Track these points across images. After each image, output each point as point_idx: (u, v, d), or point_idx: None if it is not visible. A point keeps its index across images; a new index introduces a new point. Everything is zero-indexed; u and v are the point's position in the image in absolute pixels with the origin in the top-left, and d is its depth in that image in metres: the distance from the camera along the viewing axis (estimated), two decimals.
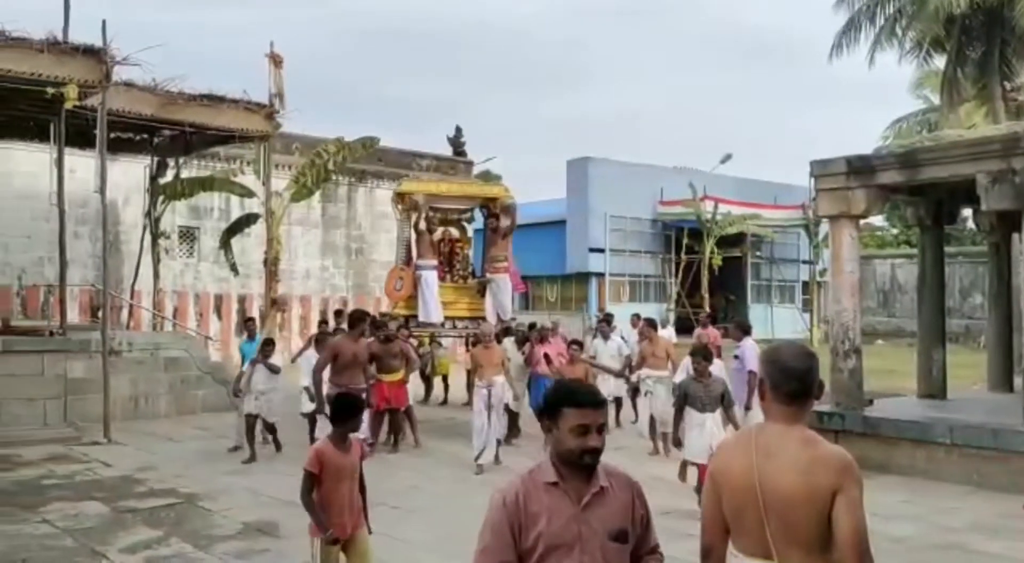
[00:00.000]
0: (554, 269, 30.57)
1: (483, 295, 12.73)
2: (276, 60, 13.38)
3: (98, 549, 6.19)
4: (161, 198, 15.70)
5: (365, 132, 16.69)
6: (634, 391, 11.76)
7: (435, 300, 12.17)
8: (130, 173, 16.99)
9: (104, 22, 10.60)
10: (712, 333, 13.47)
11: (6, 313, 15.45)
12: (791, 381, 2.50)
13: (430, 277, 12.24)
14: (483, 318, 12.26)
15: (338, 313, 14.28)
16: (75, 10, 10.76)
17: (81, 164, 14.87)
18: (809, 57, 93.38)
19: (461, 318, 12.80)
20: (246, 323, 12.62)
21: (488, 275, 12.72)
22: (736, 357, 10.12)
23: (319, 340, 10.54)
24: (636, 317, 14.13)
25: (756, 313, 32.95)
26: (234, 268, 15.92)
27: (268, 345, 10.10)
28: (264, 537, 6.58)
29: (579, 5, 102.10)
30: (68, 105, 10.46)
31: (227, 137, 13.82)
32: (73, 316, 16.28)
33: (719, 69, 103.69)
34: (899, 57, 23.92)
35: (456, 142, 23.89)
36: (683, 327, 30.65)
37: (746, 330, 10.36)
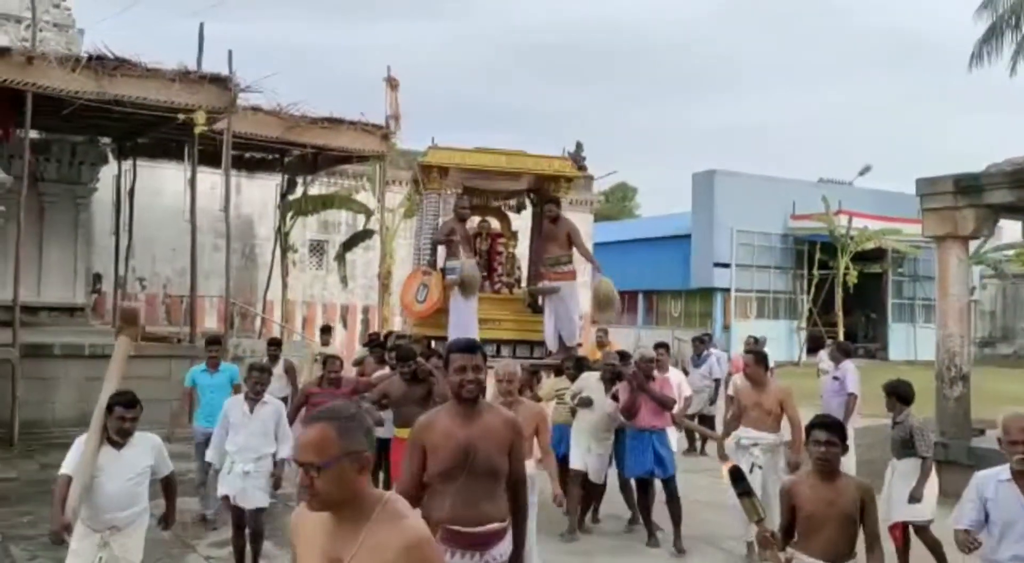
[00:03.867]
0: (678, 284, 30.25)
1: (537, 310, 9.03)
2: (392, 83, 14.02)
3: (190, 543, 6.74)
4: (290, 213, 16.69)
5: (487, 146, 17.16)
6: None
7: (471, 315, 8.55)
8: (265, 190, 18.17)
9: (230, 52, 11.48)
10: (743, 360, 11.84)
11: (153, 320, 16.80)
12: None
13: None
14: (538, 343, 8.87)
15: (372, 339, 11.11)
16: (208, 35, 11.73)
17: (221, 181, 16.02)
18: (953, 63, 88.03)
19: (506, 342, 8.93)
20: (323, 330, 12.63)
21: (546, 282, 8.77)
22: (836, 379, 9.84)
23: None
24: (754, 340, 12.81)
25: (897, 333, 31.47)
26: (344, 280, 16.77)
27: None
28: None
29: (712, 14, 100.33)
30: (198, 130, 11.35)
31: (347, 157, 14.58)
32: (211, 324, 17.51)
33: (859, 78, 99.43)
34: None
35: (576, 157, 24.00)
36: (815, 346, 29.71)
37: (847, 352, 10.03)
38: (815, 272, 29.20)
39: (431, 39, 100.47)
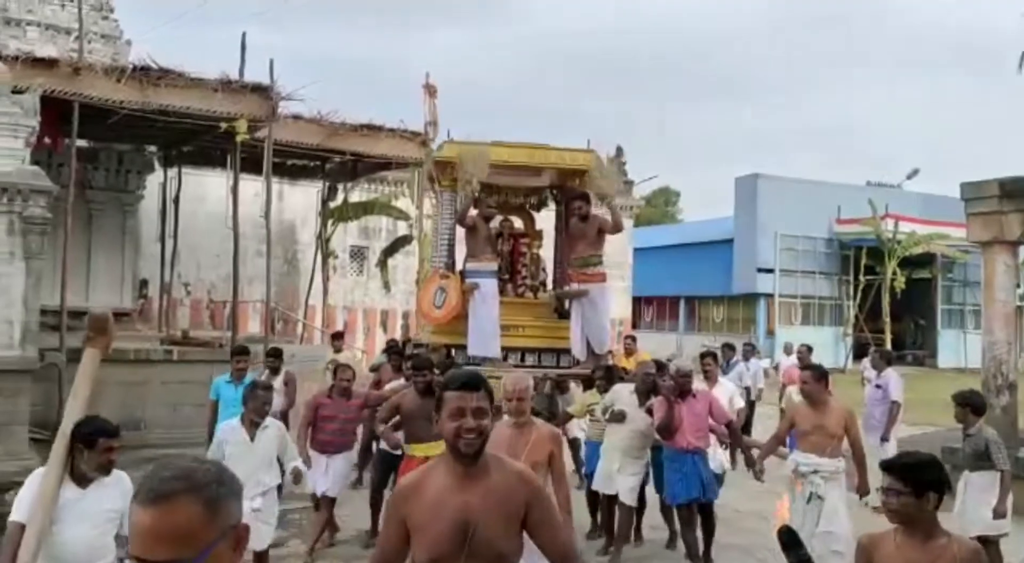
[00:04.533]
0: (720, 289, 29.99)
1: (564, 315, 8.36)
2: (431, 90, 14.06)
3: None
4: (331, 220, 16.88)
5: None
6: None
7: (493, 322, 7.95)
8: (307, 196, 18.42)
9: (271, 62, 11.64)
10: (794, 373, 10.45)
11: (197, 325, 17.10)
12: None
13: (487, 287, 8.05)
14: (565, 351, 8.25)
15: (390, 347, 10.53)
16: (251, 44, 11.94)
17: (264, 188, 16.26)
18: (1003, 66, 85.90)
19: (530, 350, 8.33)
20: (334, 337, 11.91)
21: (573, 285, 8.16)
22: (878, 387, 9.69)
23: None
24: (807, 349, 11.37)
25: (947, 340, 30.81)
26: (387, 285, 16.90)
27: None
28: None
29: (757, 15, 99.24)
30: (239, 139, 11.53)
31: (386, 163, 14.70)
32: (254, 329, 17.77)
33: (907, 80, 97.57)
34: None
35: (617, 162, 23.98)
36: (861, 353, 29.19)
37: (889, 359, 9.87)
38: (861, 277, 28.71)
39: (471, 45, 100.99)
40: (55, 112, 10.68)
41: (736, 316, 30.11)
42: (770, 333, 28.28)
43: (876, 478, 4.61)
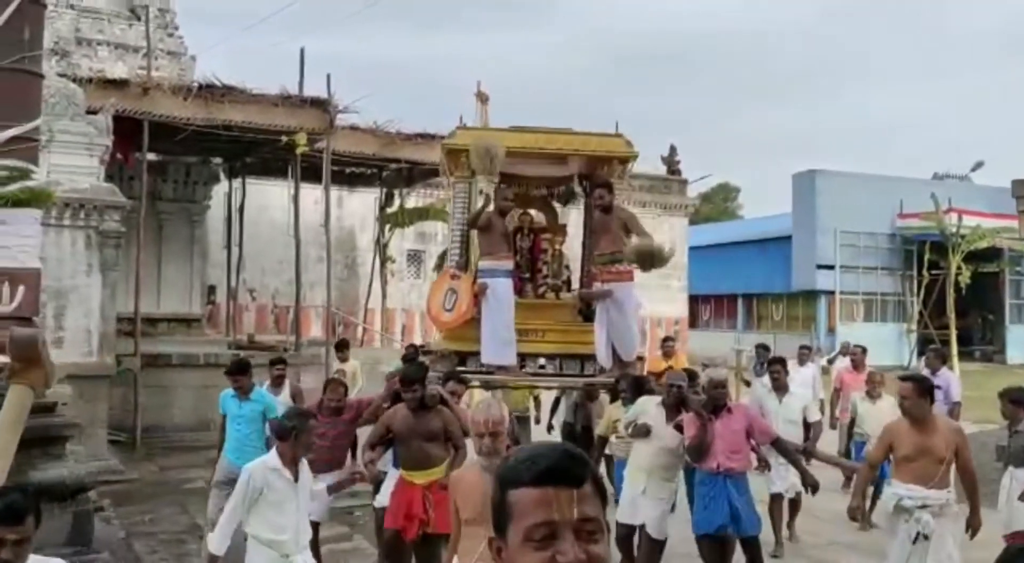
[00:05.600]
0: (778, 287, 29.71)
1: (589, 318, 7.44)
2: (482, 98, 14.36)
3: None
4: (388, 225, 17.33)
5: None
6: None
7: (508, 327, 7.12)
8: (365, 202, 18.94)
9: (328, 76, 12.08)
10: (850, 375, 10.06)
11: (263, 329, 17.70)
12: None
13: (501, 288, 7.18)
14: (589, 358, 7.37)
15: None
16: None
17: (324, 196, 16.81)
18: None
19: (551, 356, 7.55)
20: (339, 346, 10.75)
21: (598, 284, 7.28)
22: (937, 387, 9.47)
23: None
24: (859, 351, 10.32)
25: (1016, 335, 30.09)
26: None
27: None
28: None
29: (821, 9, 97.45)
30: (299, 150, 11.99)
31: (439, 171, 15.07)
32: (317, 332, 18.29)
33: (972, 69, 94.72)
34: None
35: (670, 161, 24.02)
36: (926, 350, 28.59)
37: (944, 358, 9.71)
38: (925, 273, 28.17)
39: (523, 47, 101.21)
40: (126, 129, 11.25)
41: (796, 314, 29.79)
42: (831, 331, 27.93)
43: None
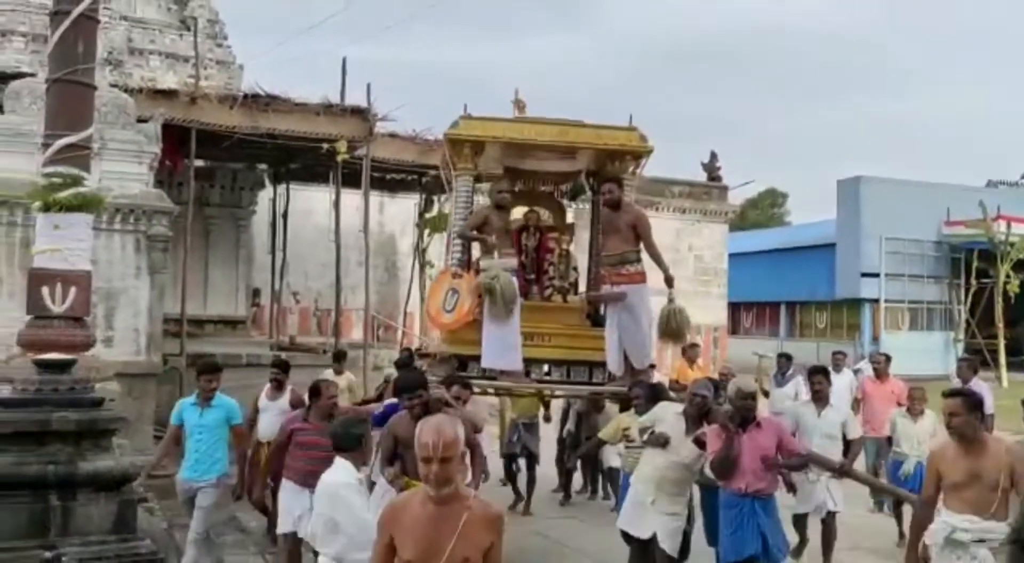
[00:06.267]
0: (822, 294, 29.41)
1: (598, 322, 7.16)
2: (520, 105, 14.57)
3: None
4: (427, 230, 17.63)
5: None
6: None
7: (512, 330, 6.71)
8: (405, 208, 19.28)
9: (369, 86, 12.41)
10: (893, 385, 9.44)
11: (305, 331, 18.10)
12: None
13: None
14: (598, 364, 7.02)
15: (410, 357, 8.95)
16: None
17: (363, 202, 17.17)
18: None
19: (557, 362, 7.13)
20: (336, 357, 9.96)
21: (607, 286, 6.88)
22: None
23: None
24: (882, 359, 9.73)
25: None
26: None
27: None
28: None
29: (874, 11, 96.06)
30: (340, 158, 12.33)
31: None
32: (358, 335, 18.65)
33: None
34: None
35: (711, 167, 23.98)
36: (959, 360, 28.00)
37: (975, 368, 9.59)
38: (973, 281, 27.72)
39: (564, 51, 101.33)
40: (175, 136, 11.69)
41: (840, 321, 29.46)
42: (875, 339, 27.58)
43: None
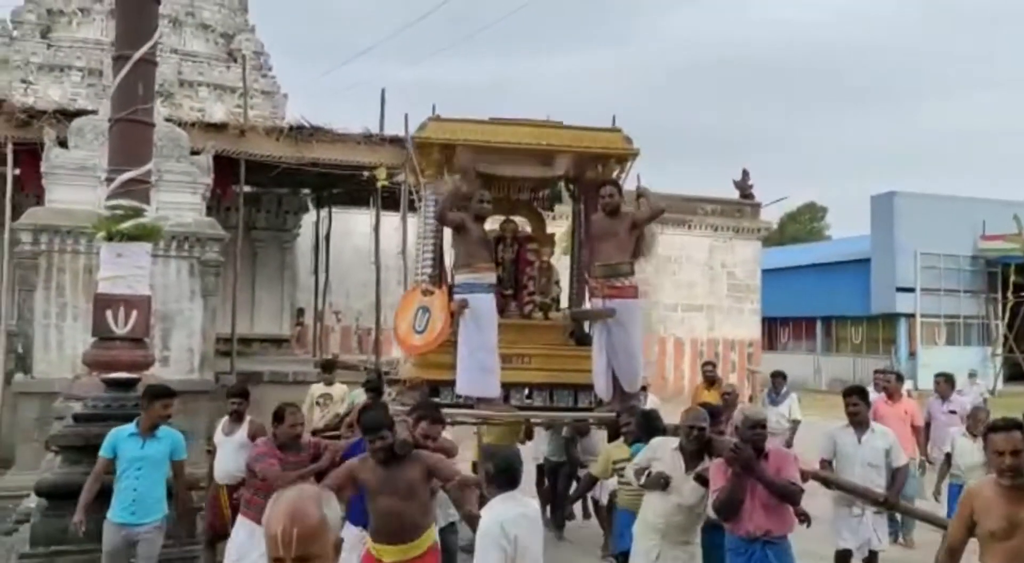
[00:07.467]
0: (858, 309, 29.43)
1: (583, 340, 6.58)
2: None
3: None
4: None
5: (662, 173, 17.94)
6: None
7: (490, 351, 6.08)
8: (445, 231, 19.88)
9: (407, 116, 12.99)
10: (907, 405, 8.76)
11: (347, 349, 18.71)
12: None
13: (482, 305, 6.11)
14: (584, 388, 6.45)
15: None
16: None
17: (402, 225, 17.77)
18: None
19: (539, 386, 6.51)
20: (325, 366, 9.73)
21: (597, 301, 6.26)
22: (953, 412, 8.98)
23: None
24: (893, 378, 9.02)
25: None
26: None
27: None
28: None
29: (916, 21, 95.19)
30: (379, 184, 12.94)
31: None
32: (398, 353, 19.23)
33: None
34: None
35: (743, 185, 24.21)
36: (1015, 374, 27.89)
37: (953, 383, 9.42)
38: (1010, 295, 27.62)
39: (599, 67, 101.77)
40: (224, 165, 12.38)
41: (875, 336, 29.45)
42: (912, 354, 27.57)
43: None
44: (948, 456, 7.31)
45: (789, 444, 9.04)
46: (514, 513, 3.80)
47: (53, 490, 6.29)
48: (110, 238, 6.87)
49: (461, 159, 6.44)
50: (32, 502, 6.77)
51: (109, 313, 6.83)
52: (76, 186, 10.28)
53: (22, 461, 9.62)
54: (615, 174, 6.64)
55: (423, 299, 6.27)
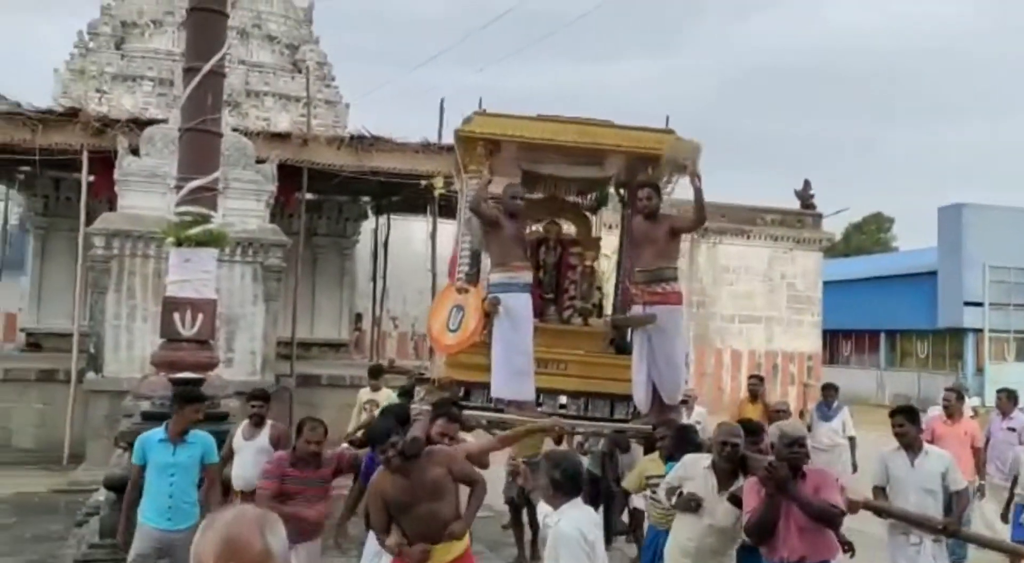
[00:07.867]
0: (924, 323, 28.76)
1: (624, 349, 6.25)
2: None
3: None
4: None
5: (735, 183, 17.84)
6: None
7: (524, 353, 5.88)
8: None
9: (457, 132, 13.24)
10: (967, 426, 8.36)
11: (403, 354, 18.98)
12: None
13: (517, 305, 5.85)
14: (622, 398, 6.14)
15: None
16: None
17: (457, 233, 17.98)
18: None
19: (574, 394, 6.18)
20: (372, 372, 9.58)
21: (638, 308, 5.94)
22: (1012, 429, 8.48)
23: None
24: (953, 396, 8.47)
25: None
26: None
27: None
28: None
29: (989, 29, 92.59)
30: (436, 192, 13.14)
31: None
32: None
33: None
34: None
35: (804, 195, 23.89)
36: None
37: (1015, 400, 8.74)
38: None
39: (666, 73, 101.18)
40: (287, 173, 12.71)
41: (942, 351, 28.73)
42: (979, 371, 26.82)
43: None
44: (1016, 478, 7.00)
45: (854, 466, 8.72)
46: (588, 520, 3.85)
47: (121, 484, 6.53)
48: (179, 243, 7.14)
49: (509, 154, 6.21)
50: (101, 495, 7.05)
51: (176, 315, 7.09)
52: (147, 193, 10.68)
53: (92, 456, 10.01)
54: (666, 177, 6.27)
55: (458, 297, 6.03)
